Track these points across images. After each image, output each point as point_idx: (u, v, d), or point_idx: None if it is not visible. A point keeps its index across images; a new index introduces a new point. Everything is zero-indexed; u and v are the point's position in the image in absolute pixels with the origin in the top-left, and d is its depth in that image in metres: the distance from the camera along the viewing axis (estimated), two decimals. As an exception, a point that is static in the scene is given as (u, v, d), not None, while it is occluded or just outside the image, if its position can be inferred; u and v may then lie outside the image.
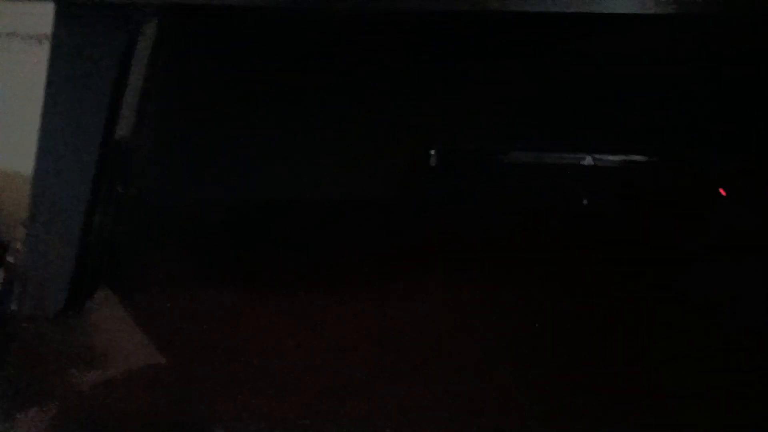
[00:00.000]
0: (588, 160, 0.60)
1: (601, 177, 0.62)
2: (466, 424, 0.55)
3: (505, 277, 0.62)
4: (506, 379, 0.56)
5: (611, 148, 0.62)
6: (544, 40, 0.62)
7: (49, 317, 0.59)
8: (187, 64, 0.63)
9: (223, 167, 0.62)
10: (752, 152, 0.61)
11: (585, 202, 0.60)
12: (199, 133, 0.62)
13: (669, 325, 0.59)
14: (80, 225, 0.58)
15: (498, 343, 0.58)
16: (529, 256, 0.62)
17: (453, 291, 0.61)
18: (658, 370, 0.56)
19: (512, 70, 0.63)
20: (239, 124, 0.62)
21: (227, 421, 0.54)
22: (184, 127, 0.62)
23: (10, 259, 0.63)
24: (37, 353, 0.58)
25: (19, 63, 0.66)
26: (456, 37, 0.62)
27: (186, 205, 0.62)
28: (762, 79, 0.66)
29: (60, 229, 0.58)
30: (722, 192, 0.60)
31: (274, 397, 0.56)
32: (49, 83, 0.57)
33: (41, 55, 0.58)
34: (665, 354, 0.57)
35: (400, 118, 0.62)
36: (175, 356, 0.57)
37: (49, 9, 0.55)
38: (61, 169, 0.58)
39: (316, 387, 0.56)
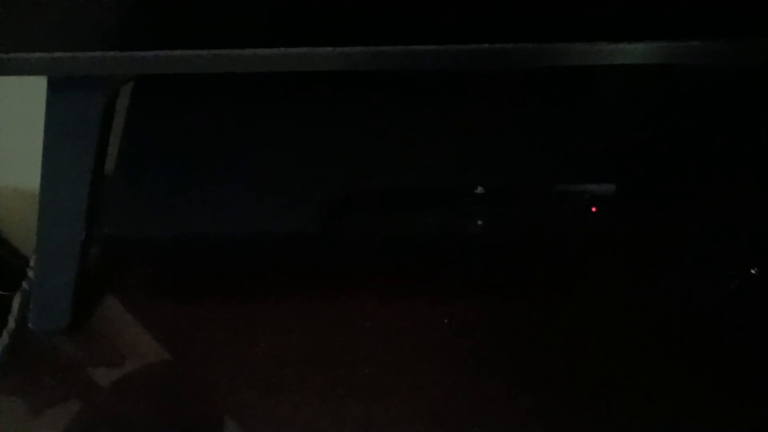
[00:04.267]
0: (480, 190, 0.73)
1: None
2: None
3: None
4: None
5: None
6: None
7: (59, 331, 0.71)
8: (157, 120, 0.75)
9: (187, 206, 0.74)
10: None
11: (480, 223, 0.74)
12: (163, 178, 0.75)
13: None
14: (77, 259, 0.71)
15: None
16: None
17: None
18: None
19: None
20: (204, 170, 0.74)
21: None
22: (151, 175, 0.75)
23: (31, 274, 0.75)
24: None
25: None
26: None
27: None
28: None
29: (60, 263, 0.71)
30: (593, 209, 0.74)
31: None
32: (46, 140, 0.69)
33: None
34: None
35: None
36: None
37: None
38: (59, 209, 0.71)
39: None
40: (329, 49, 0.67)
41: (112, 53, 0.64)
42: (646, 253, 0.78)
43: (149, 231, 0.73)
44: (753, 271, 0.75)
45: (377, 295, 0.76)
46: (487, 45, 0.66)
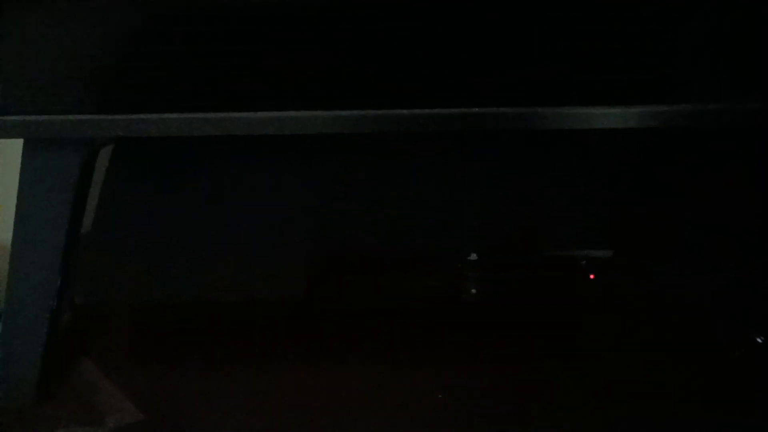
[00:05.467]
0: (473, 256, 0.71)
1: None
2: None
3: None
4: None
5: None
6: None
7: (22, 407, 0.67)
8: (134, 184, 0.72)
9: (164, 272, 0.70)
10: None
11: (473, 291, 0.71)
12: (140, 243, 0.71)
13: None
14: (46, 328, 0.67)
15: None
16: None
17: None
18: None
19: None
20: (184, 233, 0.71)
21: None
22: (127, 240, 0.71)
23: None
24: None
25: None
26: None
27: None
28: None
29: (28, 331, 0.67)
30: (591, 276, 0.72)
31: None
32: (19, 202, 0.66)
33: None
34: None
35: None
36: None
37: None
38: (29, 275, 0.67)
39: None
40: (320, 113, 0.65)
41: (89, 116, 0.61)
42: (641, 321, 0.76)
43: (123, 299, 0.69)
44: (759, 340, 0.73)
45: (367, 365, 0.72)
46: (476, 109, 0.65)
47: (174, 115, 0.62)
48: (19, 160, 0.66)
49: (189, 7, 0.59)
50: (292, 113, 0.63)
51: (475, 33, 0.62)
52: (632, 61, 0.62)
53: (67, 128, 0.61)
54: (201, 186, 0.73)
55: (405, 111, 0.64)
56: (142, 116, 0.62)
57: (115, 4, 0.59)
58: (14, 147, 0.66)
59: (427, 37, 0.62)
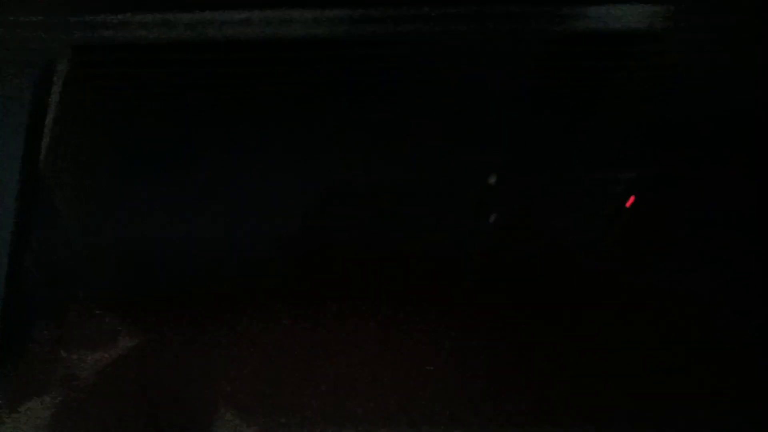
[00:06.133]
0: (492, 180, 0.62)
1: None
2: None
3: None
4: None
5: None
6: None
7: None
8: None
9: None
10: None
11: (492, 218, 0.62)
12: (119, 172, 0.63)
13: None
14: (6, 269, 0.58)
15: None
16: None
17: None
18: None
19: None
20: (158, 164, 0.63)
21: None
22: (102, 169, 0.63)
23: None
24: None
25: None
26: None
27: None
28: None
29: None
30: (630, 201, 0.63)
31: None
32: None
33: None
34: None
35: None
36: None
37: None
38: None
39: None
40: (303, 11, 0.58)
41: (39, 17, 0.54)
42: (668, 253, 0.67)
43: (101, 237, 0.61)
44: None
45: (378, 302, 0.63)
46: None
47: (138, 17, 0.55)
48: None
49: None
50: (270, 12, 0.55)
51: None
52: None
53: (16, 35, 0.54)
54: (191, 118, 0.65)
55: (403, 9, 0.57)
56: (101, 17, 0.54)
57: None
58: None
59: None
